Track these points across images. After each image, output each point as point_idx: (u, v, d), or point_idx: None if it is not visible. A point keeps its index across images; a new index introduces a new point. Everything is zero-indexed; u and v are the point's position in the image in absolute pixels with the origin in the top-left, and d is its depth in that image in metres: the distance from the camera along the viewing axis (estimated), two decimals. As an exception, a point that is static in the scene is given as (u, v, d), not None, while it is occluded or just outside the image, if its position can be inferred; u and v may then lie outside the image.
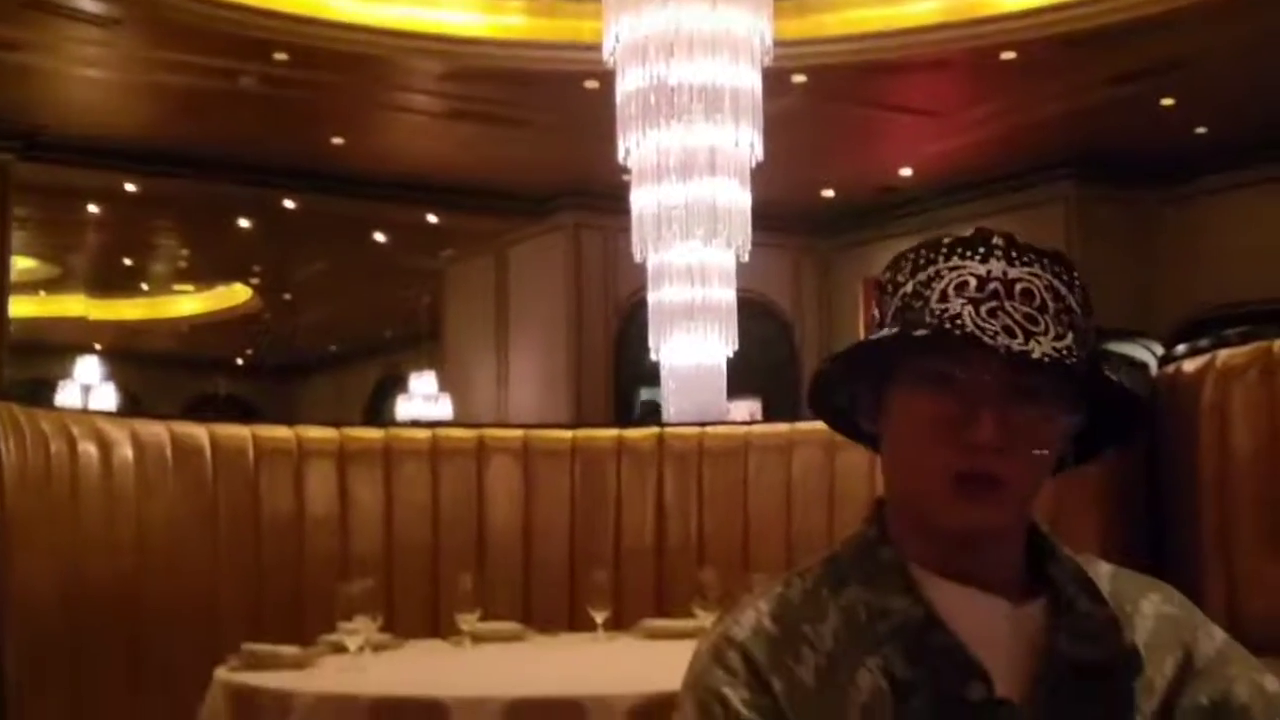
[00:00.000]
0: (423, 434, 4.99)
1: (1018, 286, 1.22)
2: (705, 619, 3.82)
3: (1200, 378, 2.93)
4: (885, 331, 1.25)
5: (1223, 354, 2.90)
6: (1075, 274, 1.26)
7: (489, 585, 4.15)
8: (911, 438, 1.26)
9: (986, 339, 1.18)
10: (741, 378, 7.05)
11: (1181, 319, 11.31)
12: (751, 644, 1.24)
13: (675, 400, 5.91)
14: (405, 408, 15.12)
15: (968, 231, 1.28)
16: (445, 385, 14.73)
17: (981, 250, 1.25)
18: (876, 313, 1.30)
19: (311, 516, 4.59)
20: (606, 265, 12.02)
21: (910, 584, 1.26)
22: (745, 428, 5.27)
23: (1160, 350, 11.01)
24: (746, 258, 6.52)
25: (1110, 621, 1.27)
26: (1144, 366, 3.47)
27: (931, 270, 1.25)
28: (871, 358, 1.29)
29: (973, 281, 1.23)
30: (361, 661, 3.35)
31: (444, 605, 4.35)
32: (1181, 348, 3.16)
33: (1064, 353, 1.19)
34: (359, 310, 17.89)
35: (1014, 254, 1.24)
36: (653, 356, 6.31)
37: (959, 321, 1.19)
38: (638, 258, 6.54)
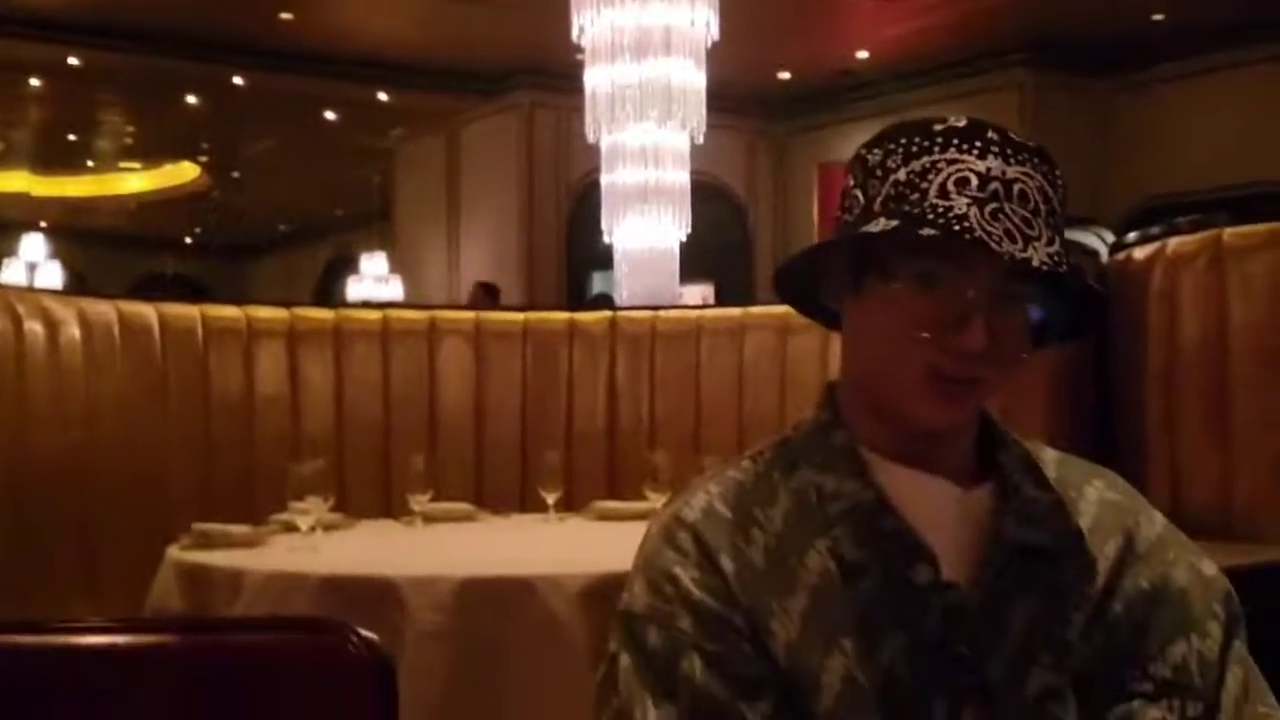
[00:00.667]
0: (374, 315, 4.96)
1: (1015, 188, 1.20)
2: (656, 501, 3.84)
3: (1150, 265, 2.94)
4: (884, 224, 1.20)
5: (1173, 242, 2.91)
6: (1059, 172, 1.25)
7: (440, 466, 4.16)
8: (892, 332, 1.23)
9: (993, 244, 1.16)
10: (694, 261, 7.04)
11: (1134, 207, 11.36)
12: (702, 525, 1.24)
13: (628, 283, 5.89)
14: (356, 289, 15.03)
15: (960, 121, 1.25)
16: (396, 266, 14.64)
17: (979, 145, 1.22)
18: (859, 194, 1.26)
19: (262, 396, 4.57)
20: (560, 146, 11.91)
21: (861, 468, 1.26)
22: (698, 312, 5.28)
23: (1111, 238, 11.08)
24: (701, 140, 6.47)
25: (1055, 506, 1.28)
26: (1095, 254, 3.48)
27: (926, 160, 1.22)
28: (857, 240, 1.26)
29: (974, 179, 1.20)
30: (313, 541, 3.35)
31: (395, 486, 4.36)
32: (1132, 235, 3.16)
33: (1056, 260, 1.19)
34: (309, 190, 17.69)
35: (1009, 151, 1.22)
36: (605, 239, 6.28)
37: (966, 224, 1.16)
38: (591, 139, 6.48)
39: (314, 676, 1.37)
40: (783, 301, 1.38)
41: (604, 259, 6.50)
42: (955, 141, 1.22)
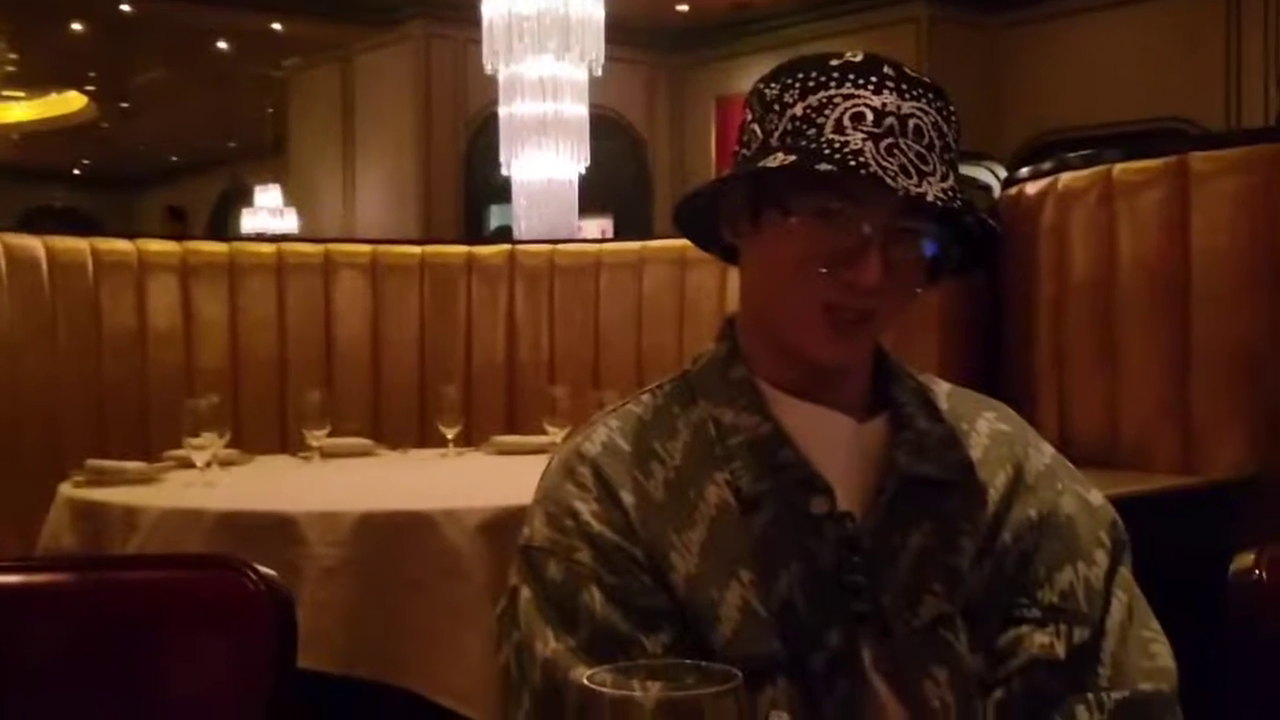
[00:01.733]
0: (268, 248, 4.90)
1: (910, 123, 1.21)
2: (555, 435, 3.85)
3: (1041, 200, 2.97)
4: (782, 159, 1.20)
5: (1064, 177, 2.94)
6: (953, 108, 1.26)
7: (337, 401, 4.12)
8: (788, 266, 1.24)
9: (888, 179, 1.16)
10: (593, 195, 7.03)
11: (1027, 143, 11.50)
12: (602, 459, 1.24)
13: (526, 217, 5.86)
14: (250, 221, 14.77)
15: (857, 56, 1.25)
16: (291, 199, 14.42)
17: (874, 80, 1.22)
18: (757, 128, 1.26)
19: (154, 331, 4.50)
20: (457, 77, 11.77)
21: (759, 401, 1.27)
22: (597, 245, 5.27)
23: (1004, 173, 11.21)
24: (599, 73, 6.43)
25: (947, 438, 1.30)
26: (988, 189, 3.51)
27: (823, 95, 1.22)
28: (755, 174, 1.26)
29: (869, 115, 1.20)
30: (209, 477, 3.31)
31: (292, 421, 4.33)
32: (1024, 170, 3.20)
33: (950, 195, 1.19)
34: (200, 121, 17.33)
35: (904, 86, 1.23)
36: (504, 172, 6.24)
37: (862, 159, 1.16)
38: (488, 70, 6.42)
39: (212, 613, 1.36)
40: (683, 236, 1.38)
41: (502, 192, 6.45)
42: (851, 76, 1.22)
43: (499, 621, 1.26)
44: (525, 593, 1.22)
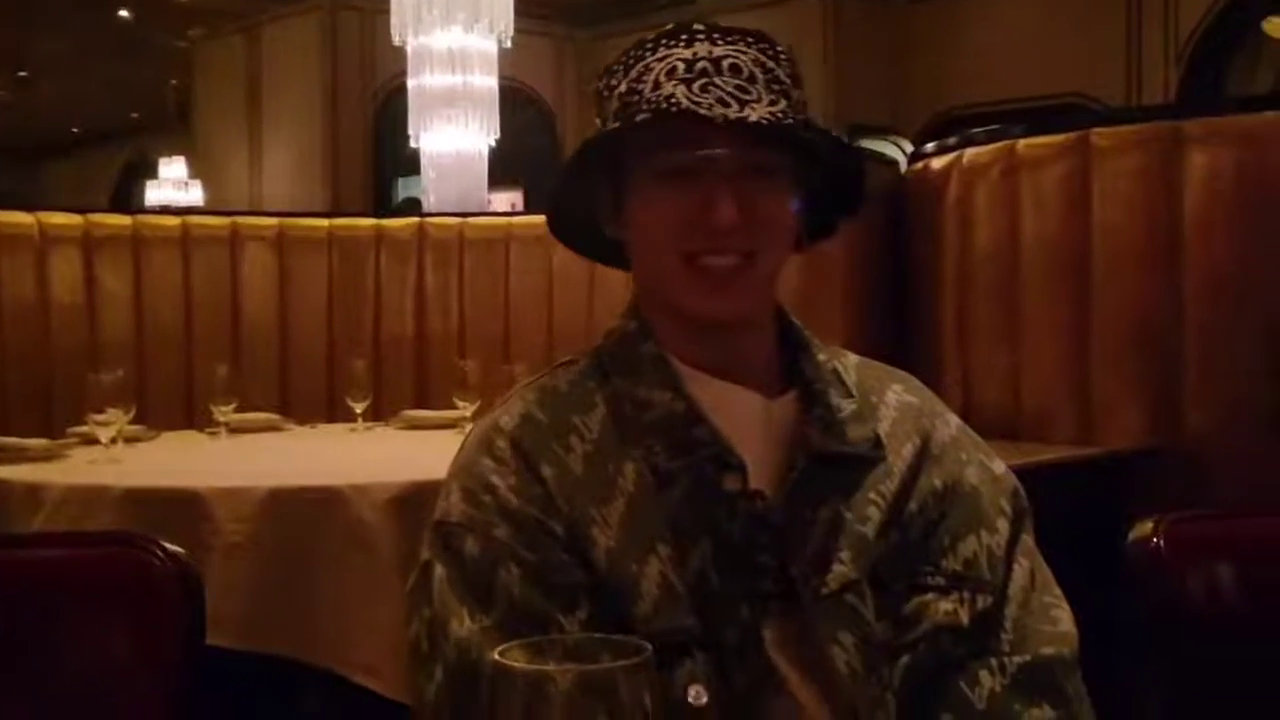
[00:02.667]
0: (173, 221, 4.83)
1: (725, 62, 1.23)
2: (466, 409, 3.85)
3: (946, 175, 3.00)
4: (608, 127, 1.24)
5: (969, 152, 2.97)
6: (781, 48, 1.28)
7: (245, 376, 4.10)
8: (653, 231, 1.26)
9: (703, 111, 1.18)
10: (503, 168, 6.98)
11: (933, 118, 11.60)
12: (521, 433, 1.24)
13: (436, 189, 5.82)
14: (155, 194, 14.53)
15: (669, 25, 1.28)
16: (196, 171, 14.21)
17: (685, 37, 1.25)
18: (598, 121, 1.29)
19: (57, 305, 4.42)
20: (364, 48, 11.64)
21: (672, 378, 1.27)
22: (507, 219, 5.25)
23: (909, 148, 11.31)
24: (509, 44, 6.40)
25: (857, 414, 1.31)
26: (894, 164, 3.55)
27: (641, 66, 1.25)
28: (605, 164, 1.28)
29: (681, 66, 1.22)
30: (114, 453, 3.26)
31: (198, 396, 4.28)
32: (930, 146, 3.23)
33: (779, 115, 1.20)
34: (103, 91, 16.97)
35: (716, 35, 1.25)
36: (413, 144, 6.19)
37: (674, 101, 1.19)
38: (397, 41, 6.36)
39: (118, 592, 1.35)
40: (568, 247, 1.40)
41: (411, 164, 6.40)
42: (665, 41, 1.26)
43: (409, 596, 1.24)
44: (439, 570, 1.20)
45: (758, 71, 1.23)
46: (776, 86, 1.24)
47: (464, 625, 1.17)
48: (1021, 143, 2.78)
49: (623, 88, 1.25)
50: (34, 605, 1.33)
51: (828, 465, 1.27)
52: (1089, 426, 2.61)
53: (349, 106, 11.99)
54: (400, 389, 4.70)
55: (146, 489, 2.90)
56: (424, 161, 6.00)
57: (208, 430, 3.87)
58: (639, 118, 1.21)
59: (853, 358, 1.39)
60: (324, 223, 5.00)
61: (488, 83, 5.96)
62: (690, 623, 1.18)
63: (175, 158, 14.63)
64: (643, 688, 0.75)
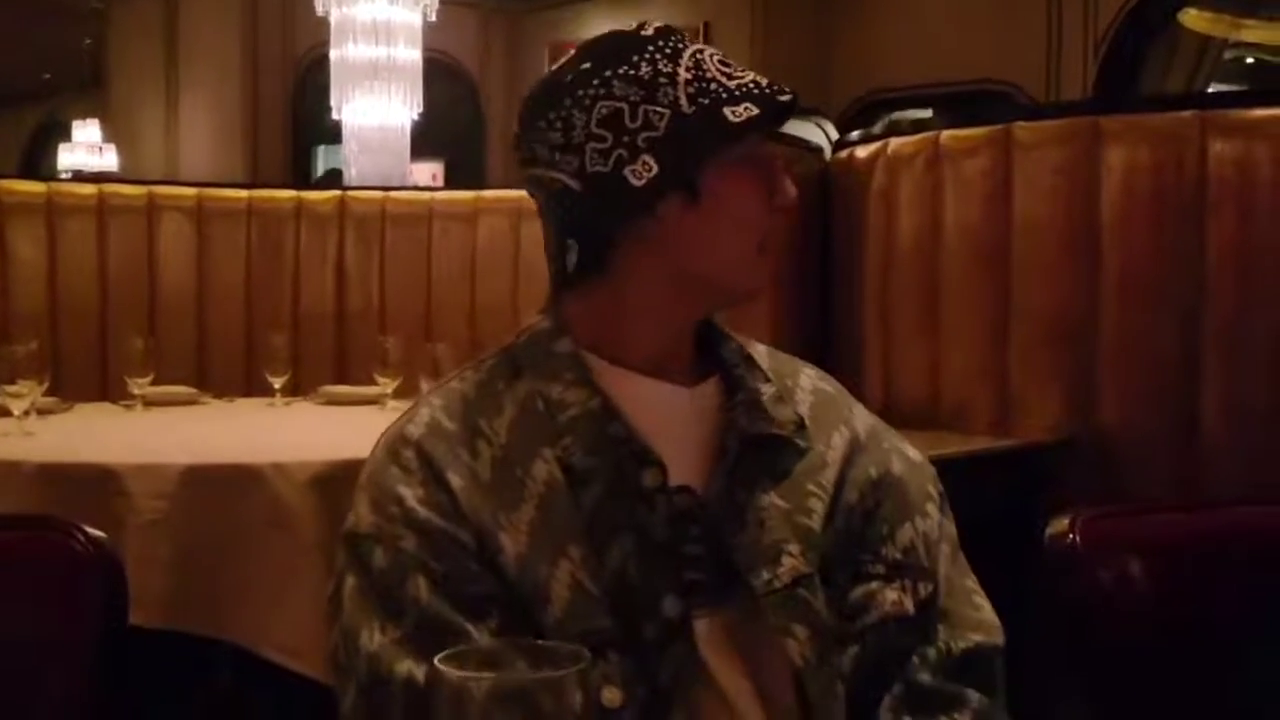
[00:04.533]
0: (88, 189, 4.77)
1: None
2: (386, 386, 3.84)
3: (871, 164, 3.02)
4: (742, 109, 1.25)
5: (893, 142, 3.00)
6: None
7: (161, 348, 4.03)
8: (751, 212, 1.28)
9: (779, 97, 1.26)
10: (426, 139, 6.94)
11: (855, 100, 11.67)
12: (427, 441, 1.23)
13: (357, 162, 5.78)
14: (68, 158, 14.27)
15: (648, 28, 1.30)
16: (110, 135, 13.97)
17: (675, 36, 1.29)
18: (655, 107, 1.24)
19: (-34, 274, 4.36)
20: (286, 15, 11.49)
21: (586, 375, 1.26)
22: (430, 194, 5.23)
23: (833, 131, 11.33)
24: (434, 17, 6.35)
25: (777, 396, 1.33)
26: (819, 150, 3.56)
27: (686, 57, 1.27)
28: (672, 146, 1.25)
29: (717, 56, 1.29)
30: (27, 426, 3.22)
31: (113, 369, 4.23)
32: (855, 134, 3.24)
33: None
34: (13, 51, 16.64)
35: (686, 37, 1.31)
36: (334, 116, 6.13)
37: (774, 87, 1.27)
38: (320, 11, 6.29)
39: (41, 574, 1.34)
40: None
41: (332, 133, 6.33)
42: (672, 39, 1.29)
43: (329, 604, 1.24)
44: (350, 580, 1.20)
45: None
46: None
47: (374, 639, 1.17)
48: (945, 134, 2.81)
49: (684, 74, 1.26)
50: (-47, 590, 1.32)
51: (758, 449, 1.28)
52: (1006, 418, 2.65)
53: (269, 73, 11.83)
54: (320, 365, 4.67)
55: (61, 464, 2.86)
56: (345, 134, 5.95)
57: (123, 403, 3.83)
58: (781, 97, 1.26)
59: (761, 346, 1.41)
60: (243, 194, 4.95)
61: (412, 55, 5.91)
62: (605, 624, 1.18)
63: (89, 121, 14.37)
64: (565, 695, 0.76)
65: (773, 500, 1.27)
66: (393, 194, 5.04)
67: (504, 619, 1.18)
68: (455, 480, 1.21)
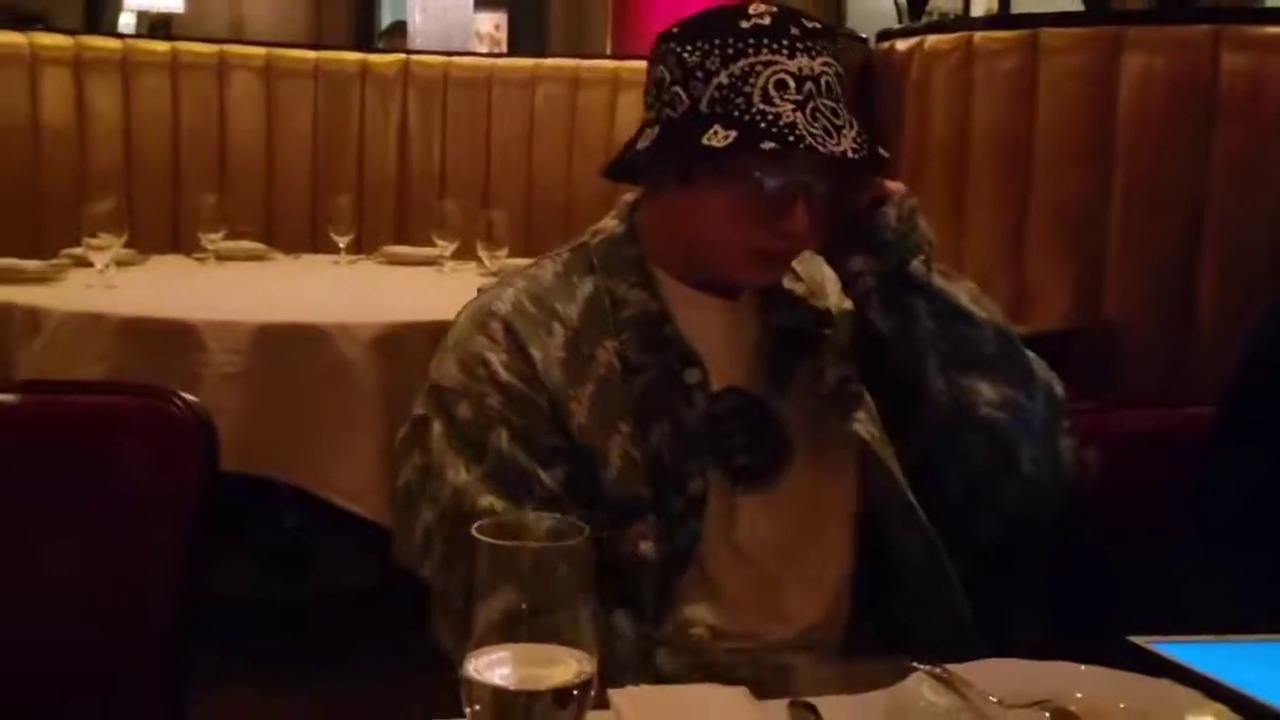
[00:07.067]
0: (162, 46, 4.92)
1: (823, 81, 1.37)
2: (444, 248, 4.01)
3: (909, 58, 3.13)
4: (722, 134, 1.34)
5: (930, 39, 3.11)
6: (835, 44, 1.43)
7: (231, 205, 4.19)
8: (721, 218, 1.41)
9: (820, 147, 1.33)
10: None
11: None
12: (512, 317, 1.42)
13: (420, 25, 5.89)
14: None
15: (764, 18, 1.38)
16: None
17: (786, 43, 1.37)
18: (680, 92, 1.39)
19: (48, 127, 4.53)
20: None
21: (649, 279, 1.46)
22: (490, 60, 5.36)
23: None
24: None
25: (809, 293, 1.53)
26: (864, 41, 3.65)
27: (745, 63, 1.36)
28: (684, 134, 1.38)
29: (790, 82, 1.35)
30: (108, 278, 3.38)
31: (185, 223, 4.41)
32: (896, 27, 3.33)
33: (860, 143, 1.37)
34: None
35: (809, 44, 1.38)
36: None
37: (798, 132, 1.33)
38: None
39: (147, 434, 1.56)
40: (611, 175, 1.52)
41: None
42: (765, 41, 1.37)
43: (400, 445, 1.44)
44: (437, 427, 1.39)
45: (839, 87, 1.38)
46: (844, 98, 1.39)
47: (460, 475, 1.37)
48: (978, 35, 2.92)
49: (722, 78, 1.37)
50: (81, 442, 1.55)
51: (790, 340, 1.49)
52: (1023, 306, 2.80)
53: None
54: (382, 223, 4.85)
55: (142, 318, 3.03)
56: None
57: (195, 256, 3.99)
58: (765, 144, 1.32)
59: None
60: (311, 55, 5.10)
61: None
62: (645, 491, 1.40)
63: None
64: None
65: (807, 385, 1.49)
66: (455, 60, 5.16)
67: (569, 470, 1.39)
68: (535, 352, 1.41)
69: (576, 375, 1.41)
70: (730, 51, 1.37)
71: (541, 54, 5.40)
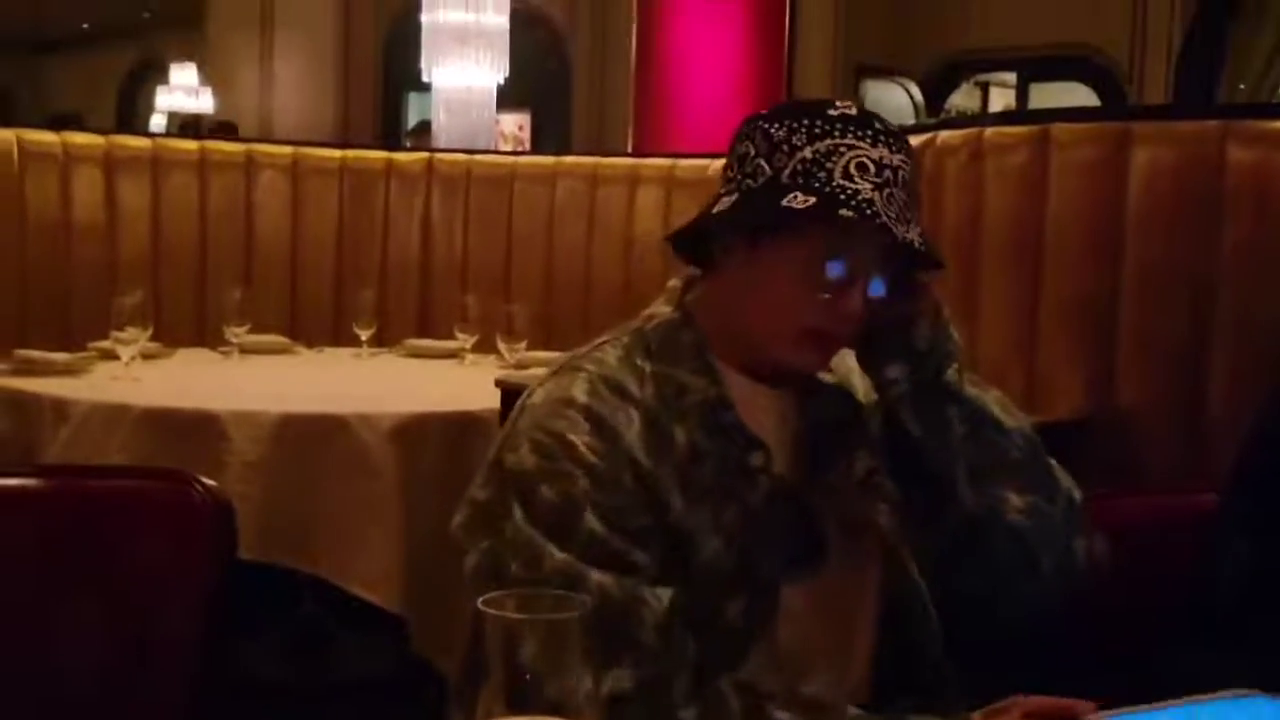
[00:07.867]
0: (191, 145, 5.03)
1: (899, 174, 1.41)
2: (465, 341, 4.10)
3: (922, 152, 3.19)
4: (803, 199, 1.38)
5: (942, 135, 3.18)
6: (911, 150, 1.48)
7: (256, 299, 4.28)
8: (782, 291, 1.44)
9: (894, 228, 1.38)
10: (513, 89, 7.12)
11: (938, 60, 11.71)
12: (591, 399, 1.43)
13: (445, 124, 6.00)
14: (165, 100, 14.64)
15: (851, 109, 1.43)
16: (206, 78, 14.28)
17: (869, 133, 1.41)
18: (763, 163, 1.43)
19: (79, 223, 4.63)
20: (380, -35, 11.74)
21: (709, 368, 1.49)
22: (513, 158, 5.47)
23: (917, 92, 11.33)
24: (522, -22, 6.50)
25: (840, 387, 1.58)
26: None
27: (830, 142, 1.40)
28: (758, 206, 1.44)
29: (871, 166, 1.40)
30: (134, 370, 3.49)
31: (211, 317, 4.51)
32: (909, 124, 3.40)
33: (923, 240, 1.42)
34: (115, -12, 16.99)
35: (890, 140, 1.43)
36: (424, 79, 6.35)
37: (875, 209, 1.37)
38: (412, -27, 6.46)
39: (164, 518, 1.60)
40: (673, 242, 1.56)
41: (421, 81, 6.53)
42: (851, 128, 1.42)
43: (464, 529, 1.44)
44: (518, 512, 1.39)
45: (913, 185, 1.43)
46: (915, 200, 1.44)
47: (556, 556, 1.36)
48: (989, 130, 2.98)
49: (806, 154, 1.41)
50: (101, 526, 1.59)
51: (830, 433, 1.54)
52: (1034, 396, 2.83)
53: (362, 20, 12.09)
54: (404, 317, 4.92)
55: (167, 409, 3.13)
56: (434, 97, 6.17)
57: (220, 350, 4.09)
58: (843, 211, 1.37)
59: None
60: (337, 154, 5.20)
61: (499, 22, 6.11)
62: (730, 566, 1.43)
63: (186, 63, 14.66)
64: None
65: (848, 470, 1.54)
66: (478, 157, 5.27)
67: (662, 549, 1.40)
68: (619, 434, 1.42)
69: (659, 457, 1.43)
70: (817, 130, 1.42)
71: (563, 152, 5.48)
